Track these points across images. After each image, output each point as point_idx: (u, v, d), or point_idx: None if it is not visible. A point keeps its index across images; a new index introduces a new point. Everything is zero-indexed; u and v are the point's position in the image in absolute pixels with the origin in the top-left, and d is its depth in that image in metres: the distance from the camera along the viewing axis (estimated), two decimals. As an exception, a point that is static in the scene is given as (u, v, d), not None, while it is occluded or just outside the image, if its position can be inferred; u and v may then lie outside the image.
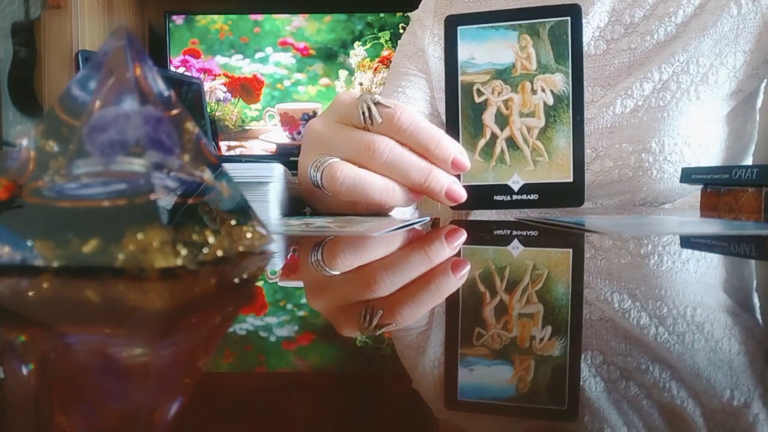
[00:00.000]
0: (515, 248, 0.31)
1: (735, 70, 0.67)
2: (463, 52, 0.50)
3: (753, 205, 0.52)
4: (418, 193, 0.45)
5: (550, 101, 0.49)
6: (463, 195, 0.45)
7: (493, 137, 0.50)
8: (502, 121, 0.50)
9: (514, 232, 0.38)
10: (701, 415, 0.09)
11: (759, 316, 0.16)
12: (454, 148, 0.44)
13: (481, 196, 0.50)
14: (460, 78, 0.50)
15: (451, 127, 0.50)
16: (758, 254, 0.27)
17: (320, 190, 0.45)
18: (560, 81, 0.49)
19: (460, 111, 0.50)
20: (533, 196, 0.50)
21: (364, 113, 0.43)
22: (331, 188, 0.42)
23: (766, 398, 0.10)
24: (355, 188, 0.42)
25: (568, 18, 0.49)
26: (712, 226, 0.38)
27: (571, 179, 0.49)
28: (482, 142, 0.50)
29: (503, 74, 0.50)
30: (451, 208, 0.50)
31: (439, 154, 0.43)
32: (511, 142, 0.50)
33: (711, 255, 0.27)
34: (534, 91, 0.49)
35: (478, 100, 0.50)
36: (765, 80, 0.71)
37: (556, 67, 0.49)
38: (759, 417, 0.09)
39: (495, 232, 0.39)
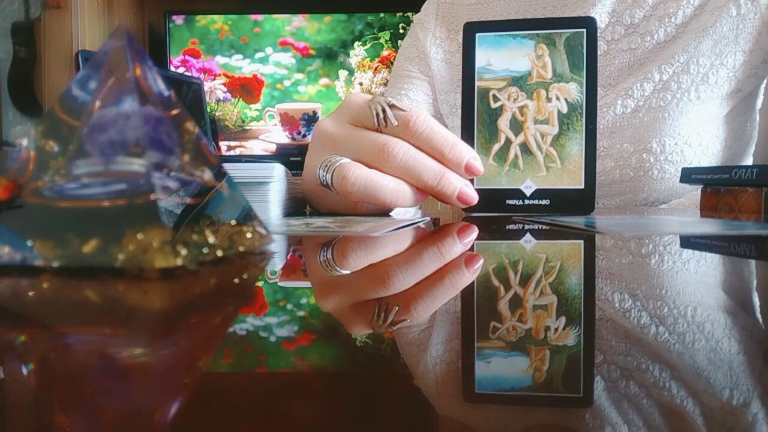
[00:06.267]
0: (525, 245, 0.31)
1: (735, 70, 0.67)
2: (481, 58, 0.51)
3: (753, 205, 0.51)
4: (426, 194, 0.45)
5: (564, 109, 0.50)
6: (475, 197, 0.45)
7: (508, 142, 0.51)
8: (517, 126, 0.51)
9: (523, 235, 0.38)
10: (707, 408, 0.09)
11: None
12: (468, 153, 0.44)
13: (493, 199, 0.51)
14: (477, 83, 0.51)
15: (467, 131, 0.51)
16: (761, 254, 0.27)
17: (325, 190, 0.45)
18: (574, 90, 0.50)
19: (476, 115, 0.51)
20: (545, 201, 0.50)
21: (378, 115, 0.44)
22: (342, 189, 0.43)
23: None
24: (366, 190, 0.42)
25: (584, 30, 0.50)
26: (712, 226, 0.38)
27: (582, 186, 0.50)
28: (496, 147, 0.51)
29: (519, 81, 0.51)
30: (464, 210, 0.50)
31: (453, 158, 0.44)
32: (525, 148, 0.50)
33: (719, 256, 0.27)
34: (549, 99, 0.50)
35: (493, 105, 0.51)
36: (764, 80, 0.71)
37: (571, 77, 0.50)
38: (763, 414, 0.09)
39: (503, 234, 0.39)
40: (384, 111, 0.43)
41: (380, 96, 0.45)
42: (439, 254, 0.28)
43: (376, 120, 0.44)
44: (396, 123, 0.43)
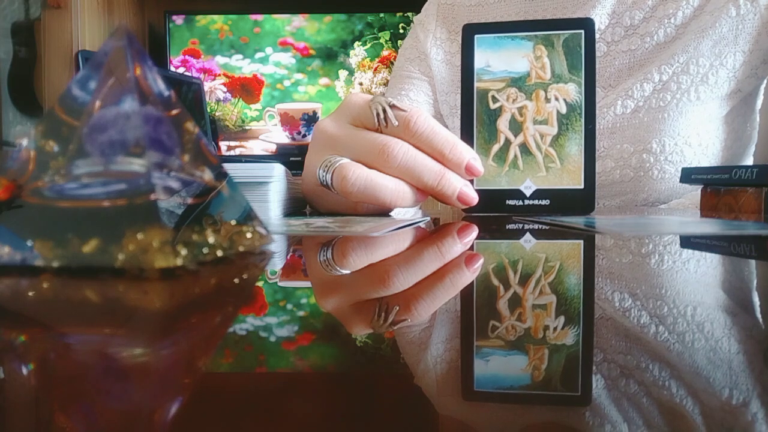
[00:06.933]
0: (525, 245, 0.31)
1: (734, 71, 0.67)
2: (479, 59, 0.51)
3: (753, 205, 0.51)
4: (426, 194, 0.45)
5: (563, 110, 0.50)
6: (475, 198, 0.45)
7: (507, 143, 0.51)
8: (516, 127, 0.51)
9: (522, 235, 0.38)
10: (707, 408, 0.09)
11: None
12: (468, 153, 0.44)
13: (493, 200, 0.51)
14: (476, 85, 0.51)
15: (466, 131, 0.51)
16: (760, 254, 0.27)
17: (325, 190, 0.45)
18: (573, 90, 0.50)
19: (475, 116, 0.51)
20: (545, 202, 0.51)
21: (378, 115, 0.44)
22: (342, 189, 0.43)
23: None
24: (366, 190, 0.42)
25: (582, 31, 0.51)
26: (712, 227, 0.38)
27: (582, 186, 0.50)
28: (496, 147, 0.51)
29: (518, 82, 0.51)
30: (463, 211, 0.50)
31: (453, 159, 0.44)
32: (524, 148, 0.51)
33: (719, 256, 0.27)
34: (548, 100, 0.50)
35: (493, 106, 0.51)
36: (764, 80, 0.71)
37: (570, 77, 0.50)
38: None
39: (502, 234, 0.39)
40: (384, 111, 0.44)
41: (380, 96, 0.45)
42: (438, 254, 0.28)
43: (376, 120, 0.44)
44: (396, 123, 0.43)
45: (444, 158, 0.44)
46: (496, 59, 0.51)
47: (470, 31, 0.52)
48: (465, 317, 0.16)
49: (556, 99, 0.51)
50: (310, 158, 0.48)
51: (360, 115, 0.45)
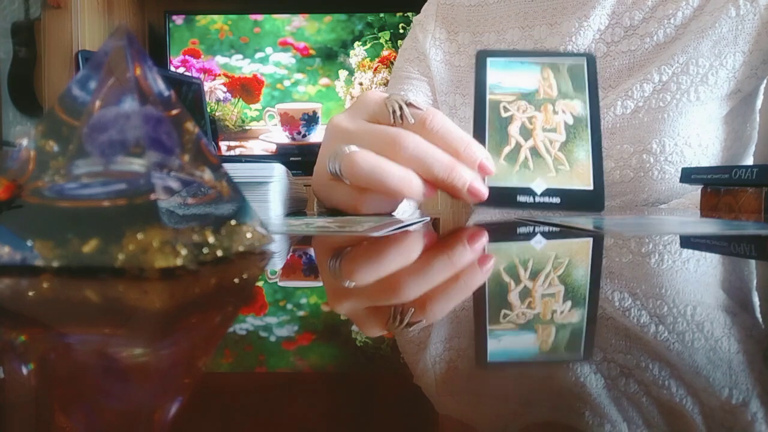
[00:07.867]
0: (534, 250, 0.31)
1: (734, 71, 0.67)
2: (492, 77, 0.55)
3: (753, 205, 0.52)
4: (435, 188, 0.44)
5: (571, 121, 0.53)
6: (484, 192, 0.45)
7: (518, 146, 0.53)
8: (526, 133, 0.53)
9: (526, 235, 0.38)
10: (706, 407, 0.09)
11: None
12: (481, 152, 0.45)
13: (504, 196, 0.52)
14: (488, 97, 0.54)
15: (478, 135, 0.53)
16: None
17: (333, 185, 0.45)
18: (579, 106, 0.54)
19: (487, 122, 0.53)
20: (555, 200, 0.52)
21: (394, 112, 0.44)
22: (349, 173, 0.42)
23: None
24: (374, 174, 0.42)
25: (584, 58, 0.55)
26: (713, 227, 0.38)
27: (591, 187, 0.52)
28: (507, 149, 0.53)
29: (528, 96, 0.55)
30: (475, 206, 0.50)
31: (467, 157, 0.44)
32: (534, 152, 0.53)
33: (725, 256, 0.27)
34: (555, 112, 0.53)
35: (504, 114, 0.54)
36: (764, 80, 0.71)
37: (575, 95, 0.54)
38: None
39: (508, 235, 0.39)
40: (401, 108, 0.44)
41: (397, 94, 0.45)
42: (449, 256, 0.28)
43: (392, 117, 0.44)
44: (412, 121, 0.43)
45: (458, 155, 0.44)
46: (507, 78, 0.55)
47: (483, 55, 0.56)
48: (476, 312, 0.16)
49: (564, 112, 0.53)
50: (322, 151, 0.48)
51: (376, 112, 0.45)
